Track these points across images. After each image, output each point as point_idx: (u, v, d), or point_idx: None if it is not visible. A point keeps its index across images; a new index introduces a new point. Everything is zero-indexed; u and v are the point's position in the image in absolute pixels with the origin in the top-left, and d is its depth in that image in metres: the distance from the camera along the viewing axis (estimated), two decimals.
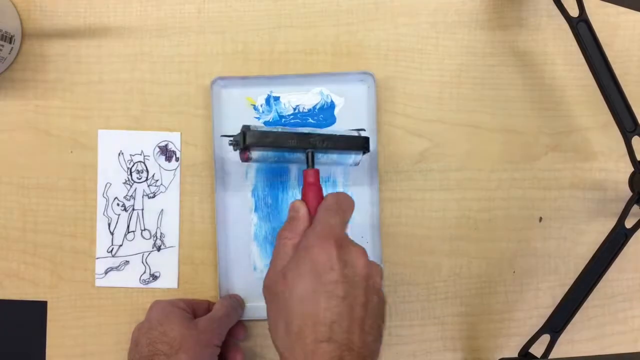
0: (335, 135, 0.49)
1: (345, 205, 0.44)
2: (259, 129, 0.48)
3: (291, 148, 0.48)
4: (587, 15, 0.49)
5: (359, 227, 0.55)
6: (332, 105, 0.56)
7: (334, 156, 0.50)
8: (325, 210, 0.43)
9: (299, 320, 0.39)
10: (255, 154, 0.48)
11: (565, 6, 0.50)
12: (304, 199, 0.45)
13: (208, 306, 0.53)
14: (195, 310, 0.52)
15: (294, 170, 0.55)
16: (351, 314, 0.39)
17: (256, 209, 0.55)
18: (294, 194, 0.55)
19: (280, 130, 0.49)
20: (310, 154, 0.48)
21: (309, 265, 0.40)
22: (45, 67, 0.56)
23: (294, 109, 0.56)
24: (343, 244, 0.41)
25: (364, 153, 0.51)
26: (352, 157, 0.51)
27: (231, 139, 0.49)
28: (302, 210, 0.44)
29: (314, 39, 0.56)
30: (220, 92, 0.55)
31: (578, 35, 0.50)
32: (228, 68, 0.56)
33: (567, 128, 0.57)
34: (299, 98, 0.56)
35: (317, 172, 0.46)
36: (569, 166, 0.57)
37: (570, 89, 0.57)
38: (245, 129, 0.47)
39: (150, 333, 0.47)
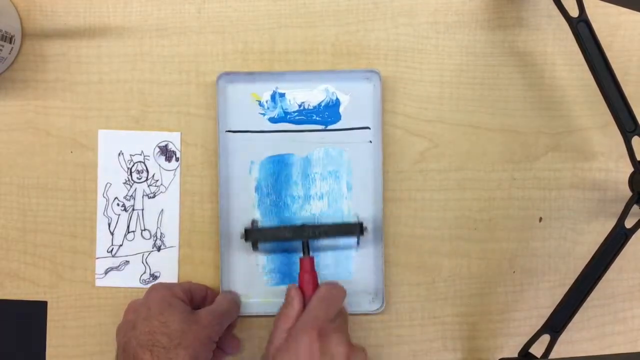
0: (329, 224, 0.54)
1: (335, 296, 0.49)
2: (258, 228, 0.54)
3: (289, 239, 0.53)
4: (587, 15, 0.49)
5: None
6: (337, 103, 0.56)
7: (332, 241, 0.55)
8: (315, 301, 0.49)
9: None
10: (260, 245, 0.54)
11: (565, 6, 0.50)
12: (300, 285, 0.51)
13: (206, 292, 0.53)
14: (193, 296, 0.51)
15: (298, 168, 0.55)
16: None
17: (259, 205, 0.55)
18: (297, 192, 0.55)
19: (278, 225, 0.55)
20: (305, 243, 0.52)
21: (293, 353, 0.45)
22: (45, 67, 0.56)
23: (299, 106, 0.56)
24: (325, 333, 0.46)
25: (360, 236, 0.54)
26: (350, 241, 0.55)
27: (242, 231, 0.54)
28: (297, 298, 0.49)
29: (314, 39, 0.56)
30: (225, 87, 0.55)
31: (578, 35, 0.50)
32: (228, 68, 0.56)
33: (567, 128, 0.57)
34: (305, 95, 0.56)
35: (312, 260, 0.52)
36: (569, 166, 0.57)
37: (570, 89, 0.57)
38: (246, 229, 0.53)
39: (150, 321, 0.47)
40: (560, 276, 0.57)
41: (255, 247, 0.54)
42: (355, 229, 0.54)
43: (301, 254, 0.52)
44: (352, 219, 0.55)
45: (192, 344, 0.46)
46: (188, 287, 0.52)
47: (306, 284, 0.51)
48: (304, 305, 0.49)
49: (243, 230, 0.54)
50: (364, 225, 0.54)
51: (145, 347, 0.45)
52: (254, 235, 0.53)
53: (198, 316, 0.48)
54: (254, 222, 0.55)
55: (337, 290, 0.50)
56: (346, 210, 0.55)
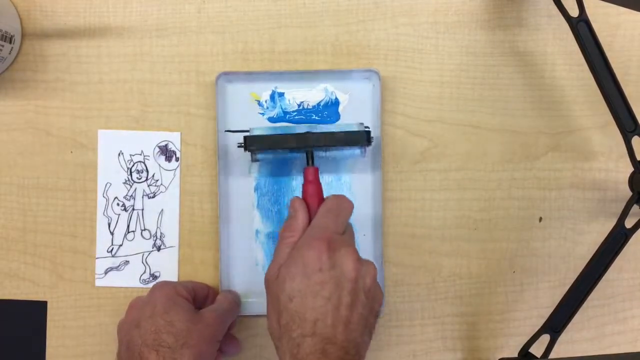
0: (334, 132, 0.50)
1: (343, 207, 0.47)
2: (259, 134, 0.50)
3: (291, 149, 0.50)
4: (587, 15, 0.49)
5: (361, 225, 0.55)
6: (336, 102, 0.56)
7: (336, 152, 0.52)
8: (322, 212, 0.46)
9: (287, 315, 0.43)
10: (259, 155, 0.51)
11: (565, 6, 0.50)
12: (303, 196, 0.48)
13: (208, 291, 0.53)
14: (195, 295, 0.51)
15: (297, 167, 0.55)
16: (336, 313, 0.42)
17: (259, 205, 0.55)
18: (297, 191, 0.55)
19: (279, 132, 0.50)
20: (309, 153, 0.49)
21: (300, 265, 0.43)
22: (45, 67, 0.56)
23: (299, 105, 0.56)
24: (335, 246, 0.44)
25: (367, 145, 0.51)
26: (356, 151, 0.52)
27: (240, 142, 0.50)
28: (301, 209, 0.47)
29: (314, 39, 0.56)
30: (225, 87, 0.55)
31: (578, 35, 0.50)
32: (228, 68, 0.56)
33: (567, 128, 0.57)
34: (304, 94, 0.56)
35: (317, 170, 0.49)
36: (569, 166, 0.57)
37: (570, 89, 0.57)
38: (246, 135, 0.50)
39: (155, 320, 0.46)
40: (560, 276, 0.57)
41: (254, 157, 0.51)
42: (361, 137, 0.50)
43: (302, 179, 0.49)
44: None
45: (198, 343, 0.46)
46: (191, 286, 0.52)
47: (311, 196, 0.47)
48: (310, 218, 0.47)
49: (242, 139, 0.50)
50: (371, 135, 0.51)
51: (151, 347, 0.45)
52: (253, 143, 0.49)
53: (202, 315, 0.48)
54: (250, 129, 0.51)
55: (345, 201, 0.47)
56: None
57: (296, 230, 0.46)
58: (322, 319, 0.42)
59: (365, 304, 0.44)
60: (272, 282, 0.45)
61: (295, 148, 0.50)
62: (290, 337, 0.42)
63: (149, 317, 0.47)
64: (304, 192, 0.48)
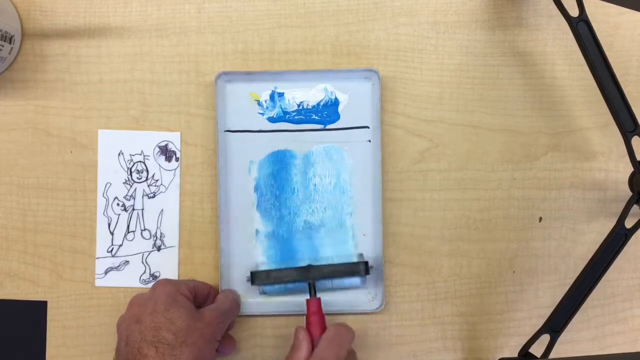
0: (334, 264, 0.54)
1: (344, 338, 0.49)
2: (263, 270, 0.54)
3: (294, 281, 0.53)
4: (587, 15, 0.49)
5: (361, 226, 0.55)
6: (336, 102, 0.56)
7: (336, 281, 0.54)
8: (324, 344, 0.48)
9: None
10: (265, 288, 0.55)
11: (565, 6, 0.50)
12: (307, 327, 0.50)
13: (209, 291, 0.53)
14: (196, 294, 0.51)
15: (297, 167, 0.55)
16: None
17: (258, 205, 0.55)
18: (297, 191, 0.55)
19: (282, 268, 0.54)
20: (311, 285, 0.52)
21: None
22: (45, 67, 0.56)
23: (298, 105, 0.56)
24: None
25: (366, 275, 0.54)
26: (355, 281, 0.55)
27: (247, 276, 0.55)
28: (305, 340, 0.49)
29: (314, 39, 0.56)
30: (224, 87, 0.55)
31: (578, 35, 0.50)
32: (228, 68, 0.56)
33: (567, 128, 0.57)
34: (303, 94, 0.56)
35: (319, 301, 0.51)
36: (569, 166, 0.57)
37: (570, 89, 0.57)
38: (252, 272, 0.54)
39: (156, 317, 0.46)
40: (560, 276, 0.57)
41: (260, 290, 0.55)
42: (360, 269, 0.54)
43: (307, 295, 0.52)
44: (356, 256, 0.55)
45: (197, 341, 0.46)
46: (193, 284, 0.52)
47: (314, 326, 0.50)
48: (313, 347, 0.49)
49: (249, 274, 0.54)
50: (369, 264, 0.54)
51: (150, 343, 0.45)
52: (260, 279, 0.53)
53: (202, 314, 0.48)
54: (257, 266, 0.55)
55: (346, 331, 0.49)
56: (345, 209, 0.55)
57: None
58: None
59: None
60: None
61: (298, 280, 0.53)
62: None
63: (150, 313, 0.47)
64: (307, 322, 0.51)
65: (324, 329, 0.50)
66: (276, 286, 0.54)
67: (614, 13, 0.56)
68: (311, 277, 0.53)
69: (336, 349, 0.48)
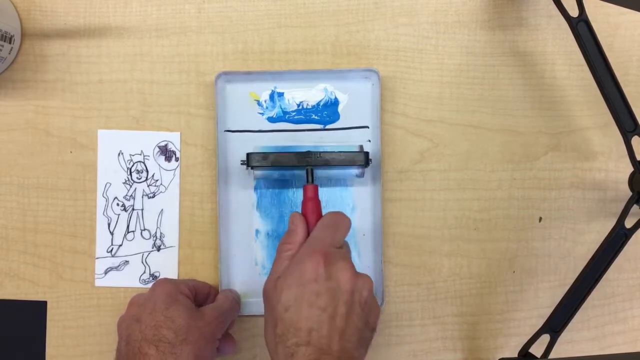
0: (334, 151, 0.52)
1: (341, 223, 0.48)
2: (261, 152, 0.52)
3: (292, 166, 0.51)
4: (587, 15, 0.49)
5: (361, 225, 0.55)
6: (336, 102, 0.56)
7: (334, 171, 0.53)
8: (321, 227, 0.47)
9: (283, 325, 0.43)
10: (260, 172, 0.53)
11: (565, 6, 0.50)
12: (303, 212, 0.49)
13: (209, 290, 0.53)
14: (196, 294, 0.51)
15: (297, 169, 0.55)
16: (331, 323, 0.42)
17: (258, 205, 0.55)
18: (296, 191, 0.55)
19: (280, 151, 0.52)
20: (309, 171, 0.51)
21: (297, 276, 0.44)
22: (45, 67, 0.56)
23: (298, 105, 0.56)
24: (331, 258, 0.44)
25: (365, 167, 0.53)
26: (354, 171, 0.54)
27: (242, 159, 0.52)
28: (300, 223, 0.48)
29: (314, 39, 0.56)
30: (224, 87, 0.55)
31: (578, 35, 0.50)
32: (228, 68, 0.56)
33: (567, 128, 0.57)
34: (303, 94, 0.56)
35: (316, 187, 0.50)
36: (569, 166, 0.57)
37: (570, 89, 0.57)
38: (249, 153, 0.51)
39: (156, 316, 0.46)
40: (560, 276, 0.57)
41: (256, 174, 0.53)
42: (360, 158, 0.51)
43: (300, 191, 0.50)
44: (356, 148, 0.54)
45: (197, 340, 0.46)
46: (193, 284, 0.52)
47: (310, 212, 0.49)
48: (308, 233, 0.48)
49: (245, 156, 0.52)
50: (370, 156, 0.52)
51: (151, 342, 0.45)
52: (256, 160, 0.51)
53: (203, 313, 0.48)
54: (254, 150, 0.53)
55: (343, 218, 0.48)
56: (345, 209, 0.55)
57: (294, 244, 0.47)
58: (317, 328, 0.42)
59: (361, 316, 0.44)
60: (270, 293, 0.45)
61: (296, 166, 0.51)
62: (285, 346, 0.42)
63: (150, 313, 0.47)
64: (303, 208, 0.49)
65: (319, 216, 0.49)
66: (272, 174, 0.52)
67: (614, 13, 0.56)
68: (310, 162, 0.51)
69: (333, 233, 0.47)
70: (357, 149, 0.53)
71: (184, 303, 0.48)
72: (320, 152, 0.51)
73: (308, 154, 0.51)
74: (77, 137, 0.56)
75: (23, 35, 0.56)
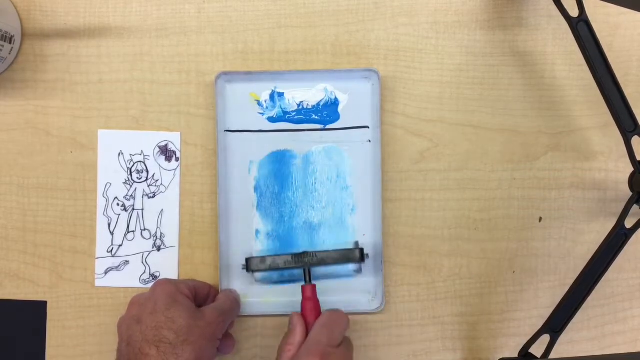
0: (330, 251, 0.54)
1: (338, 322, 0.49)
2: (258, 257, 0.54)
3: (290, 267, 0.53)
4: (587, 15, 0.49)
5: (361, 226, 0.55)
6: (336, 102, 0.56)
7: (332, 268, 0.54)
8: (318, 327, 0.49)
9: None
10: (260, 275, 0.54)
11: (565, 6, 0.50)
12: (302, 312, 0.51)
13: (209, 290, 0.53)
14: (197, 294, 0.51)
15: (297, 167, 0.55)
16: None
17: (258, 205, 0.55)
18: (297, 191, 0.55)
19: (277, 254, 0.54)
20: (306, 271, 0.53)
21: None
22: (45, 67, 0.56)
23: (298, 105, 0.56)
24: (329, 359, 0.46)
25: (361, 263, 0.54)
26: (351, 267, 0.54)
27: (243, 264, 0.54)
28: (299, 324, 0.49)
29: (314, 39, 0.56)
30: (224, 87, 0.55)
31: (578, 35, 0.50)
32: (228, 68, 0.56)
33: (567, 128, 0.57)
34: (303, 94, 0.56)
35: (314, 287, 0.52)
36: (569, 166, 0.57)
37: (570, 89, 0.57)
38: (247, 258, 0.54)
39: (156, 316, 0.46)
40: (560, 276, 0.57)
41: (256, 276, 0.54)
42: (355, 255, 0.54)
43: (302, 282, 0.52)
44: (352, 240, 0.55)
45: (198, 340, 0.46)
46: (193, 284, 0.52)
47: (309, 312, 0.50)
48: (307, 333, 0.49)
49: (244, 261, 0.54)
50: (365, 252, 0.54)
51: (152, 343, 0.45)
52: (255, 264, 0.53)
53: (203, 313, 0.48)
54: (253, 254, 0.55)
55: (340, 316, 0.50)
56: (345, 209, 0.55)
57: (293, 345, 0.48)
58: None
59: None
60: None
61: (294, 267, 0.53)
62: None
63: (150, 313, 0.47)
64: (302, 308, 0.51)
65: (318, 314, 0.50)
66: (272, 274, 0.54)
67: (614, 13, 0.56)
68: (306, 262, 0.53)
69: (329, 333, 0.48)
70: (352, 246, 0.55)
71: (184, 303, 0.48)
72: (316, 252, 0.54)
73: (304, 254, 0.54)
74: (77, 137, 0.56)
75: (23, 36, 0.56)
